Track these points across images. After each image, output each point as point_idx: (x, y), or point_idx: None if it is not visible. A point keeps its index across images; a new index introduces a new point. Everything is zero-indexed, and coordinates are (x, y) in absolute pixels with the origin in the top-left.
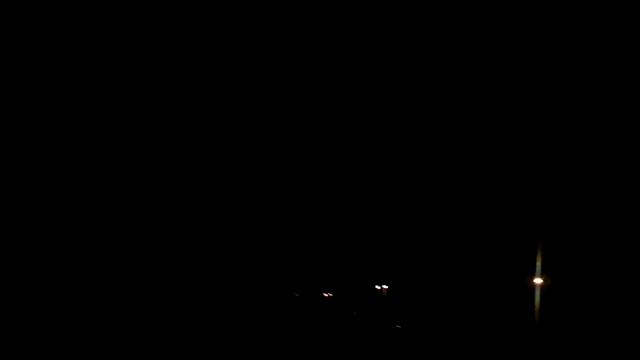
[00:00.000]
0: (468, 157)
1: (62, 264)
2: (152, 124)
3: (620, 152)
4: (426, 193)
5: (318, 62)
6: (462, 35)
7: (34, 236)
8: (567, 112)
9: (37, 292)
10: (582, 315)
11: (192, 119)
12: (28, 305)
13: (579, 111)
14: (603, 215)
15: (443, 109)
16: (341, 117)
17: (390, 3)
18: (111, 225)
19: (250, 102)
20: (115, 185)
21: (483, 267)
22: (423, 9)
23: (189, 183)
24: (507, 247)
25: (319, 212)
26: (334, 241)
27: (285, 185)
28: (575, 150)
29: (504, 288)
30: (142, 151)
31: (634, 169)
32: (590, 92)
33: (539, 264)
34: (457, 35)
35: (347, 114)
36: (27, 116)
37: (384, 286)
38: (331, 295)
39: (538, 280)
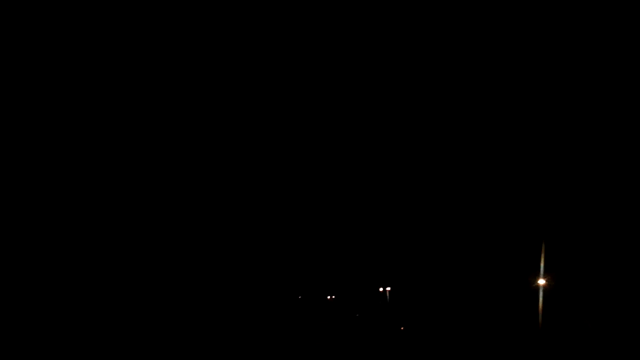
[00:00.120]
0: (471, 158)
1: (62, 264)
2: (152, 124)
3: (622, 153)
4: (429, 194)
5: (318, 62)
6: (462, 35)
7: (34, 236)
8: (571, 113)
9: (37, 292)
10: (586, 315)
11: (192, 119)
12: (28, 305)
13: (581, 112)
14: (606, 215)
15: (445, 110)
16: (342, 119)
17: (390, 3)
18: (111, 225)
19: (251, 102)
20: (115, 185)
21: (486, 268)
22: (423, 9)
23: (190, 184)
24: (510, 248)
25: (322, 214)
26: (337, 243)
27: (289, 187)
28: (578, 150)
29: (507, 289)
30: (142, 151)
31: (636, 169)
32: (591, 92)
33: (542, 264)
34: (457, 36)
35: (347, 114)
36: (27, 116)
37: (387, 288)
38: (334, 297)
39: (541, 281)
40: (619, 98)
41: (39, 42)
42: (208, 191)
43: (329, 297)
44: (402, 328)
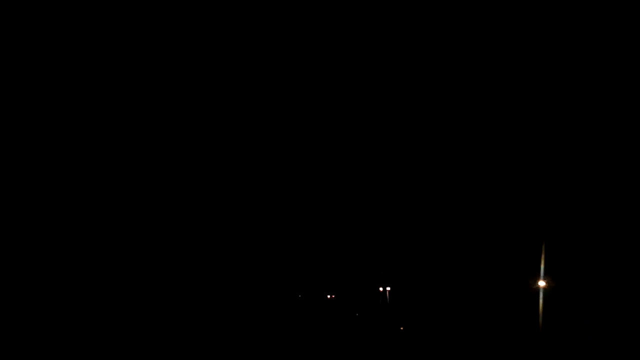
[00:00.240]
0: (471, 158)
1: (62, 264)
2: (152, 124)
3: (622, 153)
4: (429, 195)
5: (318, 62)
6: (462, 35)
7: (34, 236)
8: (571, 114)
9: (37, 292)
10: (586, 316)
11: (192, 119)
12: (28, 305)
13: (582, 113)
14: (606, 216)
15: (444, 110)
16: (342, 118)
17: (390, 3)
18: (111, 226)
19: (251, 102)
20: (115, 186)
21: (486, 269)
22: (423, 9)
23: (190, 184)
24: (510, 249)
25: (321, 213)
26: (337, 243)
27: (288, 186)
28: (578, 151)
29: (507, 290)
30: (142, 151)
31: (636, 169)
32: (592, 93)
33: (542, 266)
34: (457, 36)
35: (347, 114)
36: (27, 116)
37: (387, 288)
38: (334, 296)
39: (542, 283)
40: (619, 98)
41: (39, 42)
42: (208, 191)
43: (328, 296)
44: (401, 328)
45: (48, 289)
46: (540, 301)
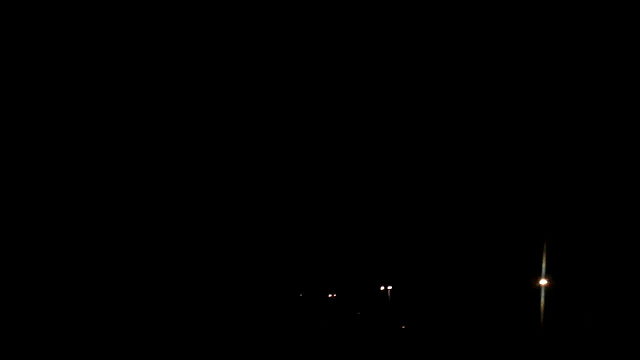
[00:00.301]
0: (472, 157)
1: (62, 264)
2: (152, 124)
3: (623, 153)
4: (430, 193)
5: (318, 63)
6: (462, 35)
7: (34, 236)
8: (572, 113)
9: (37, 292)
10: (588, 314)
11: (192, 119)
12: (28, 306)
13: (584, 111)
14: (608, 215)
15: (445, 109)
16: (342, 117)
17: (390, 3)
18: (111, 226)
19: (251, 102)
20: (115, 186)
21: (488, 268)
22: (423, 9)
23: (191, 184)
24: (512, 247)
25: (322, 212)
26: (338, 241)
27: (289, 185)
28: (579, 151)
29: (509, 289)
30: (142, 151)
31: (637, 169)
32: (593, 92)
33: (544, 265)
34: (457, 36)
35: (347, 113)
36: (27, 116)
37: (389, 287)
38: (335, 295)
39: (543, 282)
40: (620, 98)
41: (39, 42)
42: (208, 191)
43: (330, 295)
44: (403, 327)
45: (48, 289)
46: (542, 300)
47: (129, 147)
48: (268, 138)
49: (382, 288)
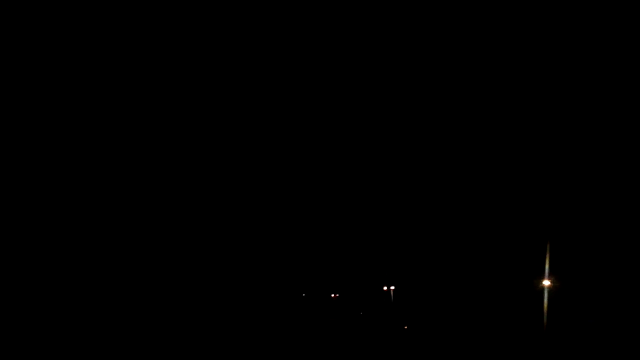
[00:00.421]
0: (475, 158)
1: (62, 264)
2: (152, 124)
3: (625, 154)
4: (434, 194)
5: (318, 62)
6: (462, 35)
7: (34, 236)
8: (575, 114)
9: (37, 292)
10: (590, 315)
11: (192, 119)
12: (28, 305)
13: (586, 112)
14: (611, 216)
15: (447, 109)
16: (344, 117)
17: (390, 3)
18: (111, 226)
19: (250, 102)
20: (115, 186)
21: (491, 268)
22: (423, 9)
23: (191, 183)
24: (515, 248)
25: (326, 212)
26: (342, 242)
27: (293, 185)
28: (582, 152)
29: (512, 290)
30: (142, 151)
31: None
32: (593, 93)
33: (547, 265)
34: (457, 36)
35: (348, 113)
36: (27, 116)
37: (391, 287)
38: (338, 295)
39: (546, 282)
40: (621, 98)
41: (39, 42)
42: (211, 190)
43: (332, 295)
44: (405, 327)
45: (48, 289)
46: (545, 300)
47: (129, 147)
48: (271, 138)
49: (385, 288)
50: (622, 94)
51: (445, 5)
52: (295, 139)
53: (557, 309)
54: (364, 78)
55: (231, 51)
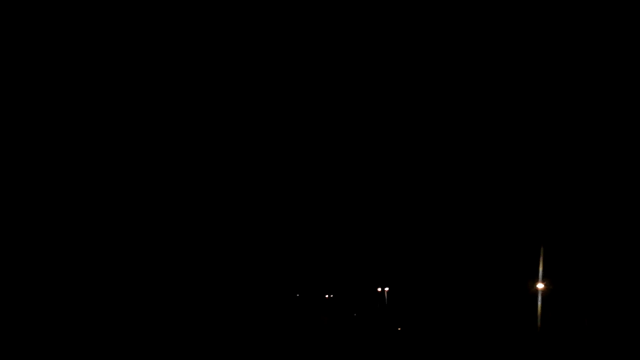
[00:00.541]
0: (470, 160)
1: (62, 264)
2: (152, 124)
3: (621, 155)
4: (428, 196)
5: (318, 62)
6: (462, 35)
7: (34, 236)
8: (569, 116)
9: (37, 292)
10: (584, 314)
11: (192, 119)
12: (28, 305)
13: (580, 115)
14: (605, 219)
15: (444, 111)
16: (341, 118)
17: (390, 3)
18: (111, 226)
19: (250, 102)
20: (115, 186)
21: (485, 271)
22: (423, 9)
23: (189, 183)
24: (509, 251)
25: (320, 213)
26: (336, 243)
27: (287, 186)
28: (577, 153)
29: (506, 292)
30: (142, 151)
31: (635, 171)
32: (591, 95)
33: (541, 268)
34: (457, 35)
35: (347, 114)
36: (27, 116)
37: (386, 288)
38: (332, 296)
39: (540, 285)
40: (618, 102)
41: (39, 42)
42: (207, 191)
43: (327, 296)
44: (399, 329)
45: (48, 289)
46: (539, 303)
47: (128, 147)
48: (266, 139)
49: (379, 289)
50: (614, 98)
51: (445, 5)
52: (286, 141)
53: (551, 311)
54: (359, 78)
55: (231, 51)
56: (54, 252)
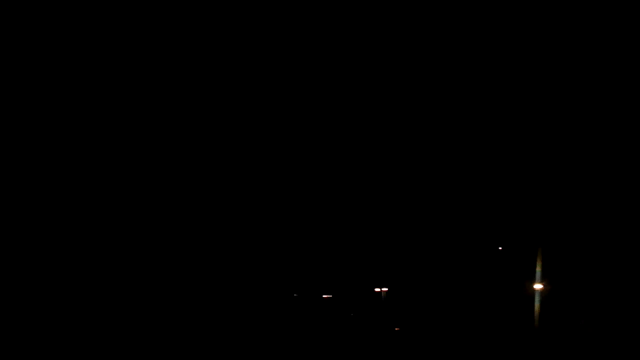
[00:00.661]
0: (467, 160)
1: (62, 264)
2: (152, 124)
3: (620, 155)
4: (425, 196)
5: (318, 62)
6: (462, 35)
7: (34, 236)
8: (567, 116)
9: (37, 292)
10: (581, 315)
11: (192, 119)
12: (28, 306)
13: (577, 114)
14: (604, 220)
15: (440, 112)
16: (339, 117)
17: (390, 3)
18: (111, 226)
19: (250, 102)
20: (115, 186)
21: (483, 271)
22: (423, 9)
23: (187, 183)
24: (507, 252)
25: (318, 212)
26: (334, 242)
27: (285, 186)
28: (575, 153)
29: (504, 293)
30: (142, 151)
31: (634, 172)
32: (590, 95)
33: (539, 269)
34: (457, 36)
35: (345, 114)
36: (27, 116)
37: (383, 289)
38: (330, 296)
39: (538, 286)
40: (616, 102)
41: (38, 42)
42: (205, 191)
43: (324, 296)
44: (397, 329)
45: (48, 289)
46: (536, 304)
47: (128, 147)
48: (259, 138)
49: (377, 290)
50: (612, 98)
51: (445, 5)
52: (281, 141)
53: (548, 311)
54: (360, 79)
55: (231, 51)
56: (54, 252)
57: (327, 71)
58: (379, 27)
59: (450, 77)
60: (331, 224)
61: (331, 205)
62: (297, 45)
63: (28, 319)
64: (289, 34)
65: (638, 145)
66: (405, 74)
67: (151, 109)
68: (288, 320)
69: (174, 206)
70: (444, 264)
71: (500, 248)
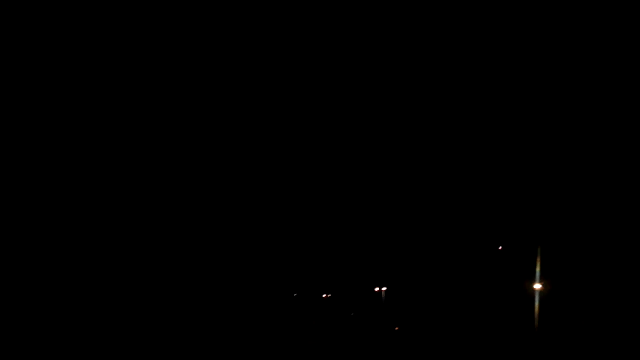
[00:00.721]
0: (466, 159)
1: (62, 264)
2: (152, 124)
3: (620, 155)
4: (425, 195)
5: (318, 63)
6: (462, 35)
7: (34, 236)
8: (567, 115)
9: (37, 292)
10: (581, 316)
11: (192, 119)
12: (28, 306)
13: (578, 114)
14: (604, 219)
15: (440, 113)
16: (338, 117)
17: (390, 3)
18: (111, 226)
19: (250, 102)
20: (115, 186)
21: (483, 270)
22: (423, 9)
23: (186, 183)
24: (506, 251)
25: (317, 211)
26: (334, 242)
27: (285, 186)
28: (575, 153)
29: (503, 292)
30: (142, 151)
31: (634, 172)
32: (590, 94)
33: (538, 269)
34: (457, 36)
35: (345, 113)
36: (27, 116)
37: (383, 288)
38: (330, 295)
39: (537, 286)
40: (616, 102)
41: (38, 42)
42: (205, 191)
43: (324, 295)
44: (396, 328)
45: (48, 289)
46: (536, 304)
47: (128, 147)
48: (258, 138)
49: (377, 289)
50: (612, 98)
51: (445, 5)
52: (279, 140)
53: (548, 311)
54: (358, 79)
55: (231, 51)
56: (54, 252)
57: (327, 71)
58: (379, 27)
59: (450, 78)
60: (331, 224)
61: (331, 206)
62: (297, 45)
63: (28, 319)
64: (289, 34)
65: (637, 146)
66: (406, 74)
67: (151, 109)
68: (288, 319)
69: (174, 206)
70: (443, 264)
71: (500, 248)
